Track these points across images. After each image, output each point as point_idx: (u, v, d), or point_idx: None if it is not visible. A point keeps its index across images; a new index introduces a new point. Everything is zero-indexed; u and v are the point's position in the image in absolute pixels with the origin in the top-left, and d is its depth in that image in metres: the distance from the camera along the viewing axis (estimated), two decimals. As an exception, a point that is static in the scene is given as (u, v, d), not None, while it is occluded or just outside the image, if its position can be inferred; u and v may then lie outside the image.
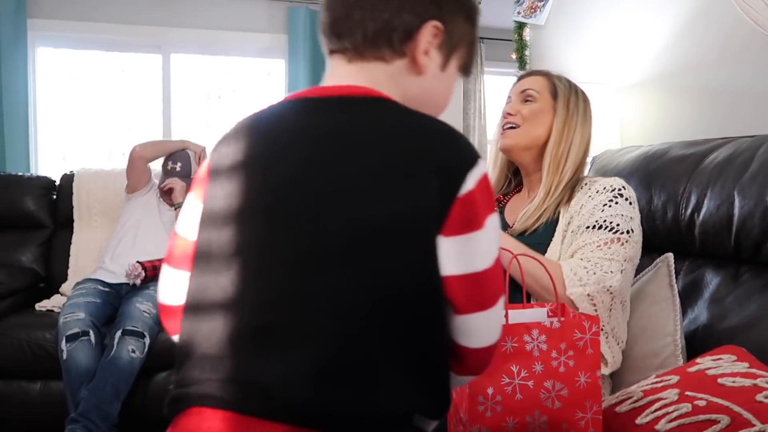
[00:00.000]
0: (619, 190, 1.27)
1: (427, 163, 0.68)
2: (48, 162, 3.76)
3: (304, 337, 0.65)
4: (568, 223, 1.28)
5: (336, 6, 0.77)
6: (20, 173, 2.94)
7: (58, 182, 2.88)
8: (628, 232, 1.23)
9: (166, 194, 2.66)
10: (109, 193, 2.77)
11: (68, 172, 2.89)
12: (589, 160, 2.19)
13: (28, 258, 2.70)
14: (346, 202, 0.67)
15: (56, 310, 2.38)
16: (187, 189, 2.72)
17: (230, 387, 0.64)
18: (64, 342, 2.10)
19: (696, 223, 1.41)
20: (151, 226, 2.61)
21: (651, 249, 1.51)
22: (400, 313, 0.66)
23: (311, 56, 4.03)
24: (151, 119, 3.96)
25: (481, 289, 0.71)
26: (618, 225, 1.22)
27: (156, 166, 2.74)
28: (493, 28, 3.88)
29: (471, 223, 0.69)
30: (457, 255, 0.68)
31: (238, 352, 0.66)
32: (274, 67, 4.11)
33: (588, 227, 1.24)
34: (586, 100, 1.42)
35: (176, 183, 2.62)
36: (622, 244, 1.21)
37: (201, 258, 0.73)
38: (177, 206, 2.60)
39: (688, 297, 1.39)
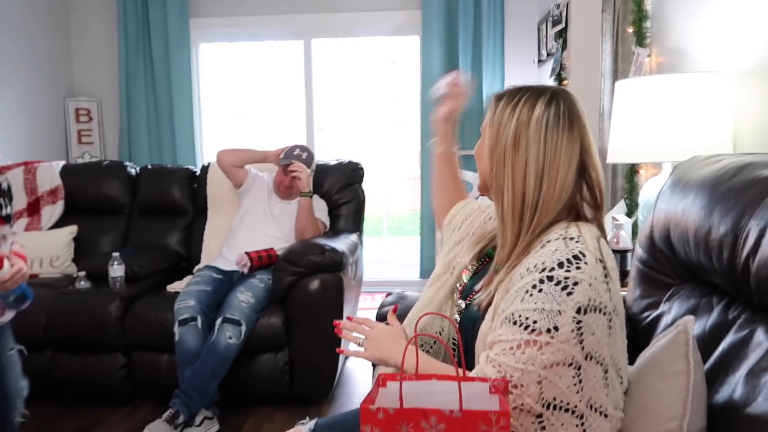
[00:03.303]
0: (550, 270, 0.96)
1: None
2: (210, 153, 4.21)
3: None
4: (502, 298, 1.03)
5: None
6: (168, 165, 3.35)
7: (198, 173, 3.22)
8: (549, 331, 0.93)
9: (288, 187, 2.81)
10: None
11: (206, 164, 3.21)
12: (668, 167, 1.79)
13: (173, 241, 3.09)
14: None
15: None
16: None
17: None
18: (176, 326, 2.40)
19: (751, 270, 1.12)
20: (262, 218, 2.81)
21: (703, 284, 1.25)
22: None
23: (445, 31, 3.91)
24: (296, 100, 4.22)
25: None
26: (535, 322, 0.94)
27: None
28: None
29: None
30: None
31: None
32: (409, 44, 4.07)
33: (506, 318, 0.98)
34: (536, 113, 1.05)
35: (304, 172, 2.71)
36: (539, 348, 0.93)
37: None
38: (304, 195, 2.72)
39: (731, 360, 1.12)
